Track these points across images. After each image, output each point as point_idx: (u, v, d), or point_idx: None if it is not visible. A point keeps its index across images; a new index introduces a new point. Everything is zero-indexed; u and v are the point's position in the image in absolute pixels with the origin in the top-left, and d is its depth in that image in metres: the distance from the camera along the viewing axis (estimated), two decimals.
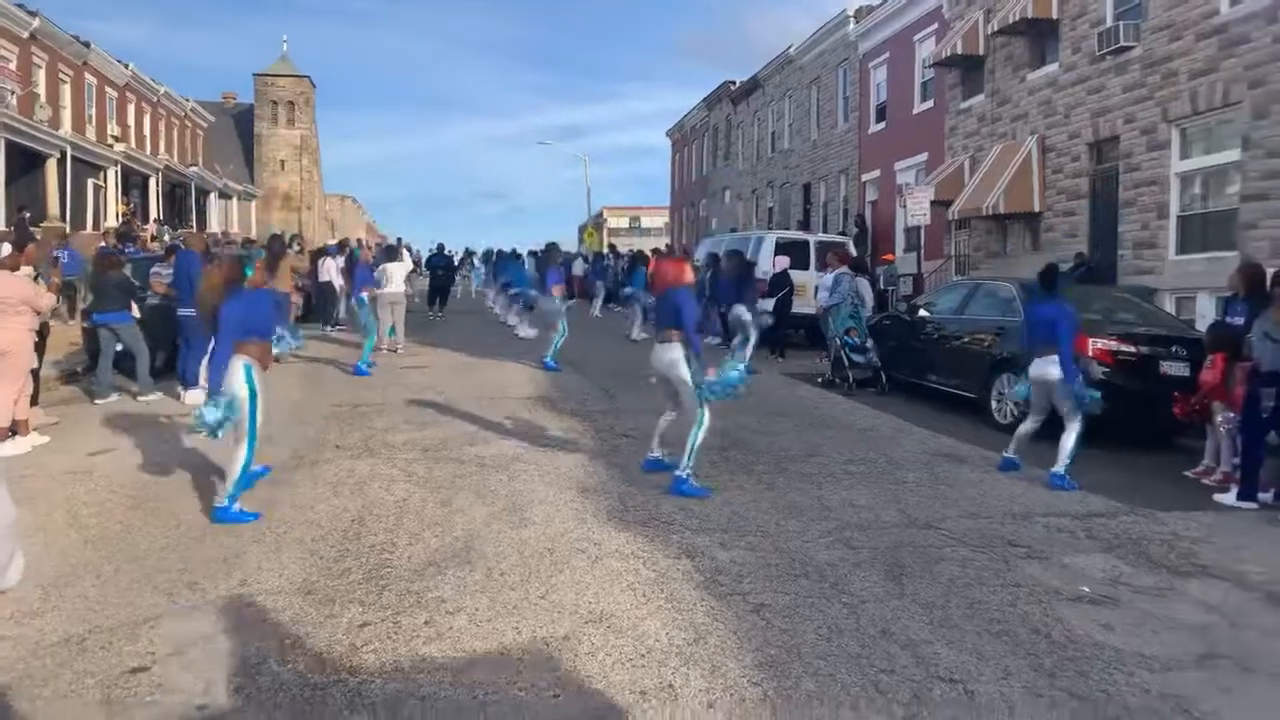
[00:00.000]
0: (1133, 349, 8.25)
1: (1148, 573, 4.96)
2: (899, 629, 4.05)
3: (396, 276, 12.96)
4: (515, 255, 23.47)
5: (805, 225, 29.55)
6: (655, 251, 22.20)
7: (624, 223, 78.13)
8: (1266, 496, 6.48)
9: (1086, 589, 4.64)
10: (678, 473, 6.21)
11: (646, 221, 78.44)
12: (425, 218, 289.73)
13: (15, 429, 7.18)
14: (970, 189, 19.48)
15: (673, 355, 6.27)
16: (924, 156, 22.83)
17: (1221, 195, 14.33)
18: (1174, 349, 8.25)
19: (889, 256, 23.01)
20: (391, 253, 13.71)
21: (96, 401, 9.48)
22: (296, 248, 14.94)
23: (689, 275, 6.63)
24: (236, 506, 5.51)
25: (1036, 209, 18.26)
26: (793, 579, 4.65)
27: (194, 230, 10.47)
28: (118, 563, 4.79)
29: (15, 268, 7.07)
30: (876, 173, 25.46)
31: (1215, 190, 14.53)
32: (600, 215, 77.26)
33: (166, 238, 25.50)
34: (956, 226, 21.28)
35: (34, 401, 8.13)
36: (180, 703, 3.32)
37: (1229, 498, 6.51)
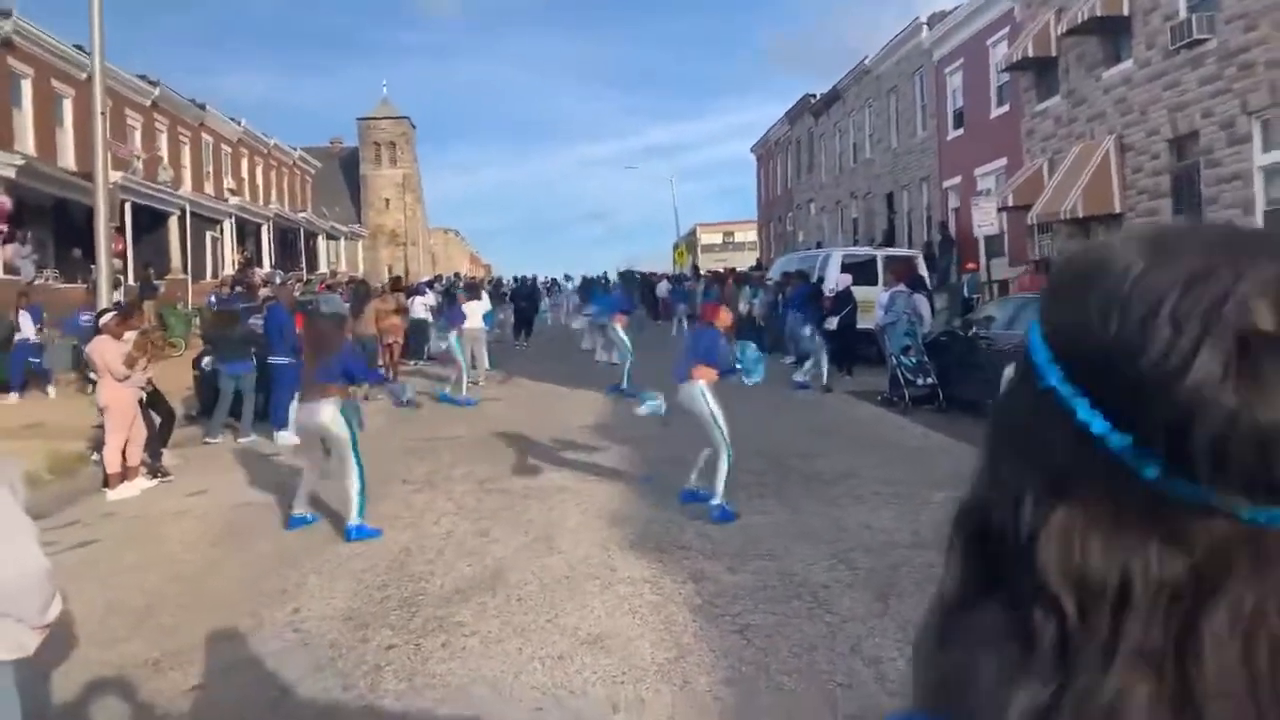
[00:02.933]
0: None
1: None
2: (870, 646, 4.36)
3: (475, 314, 13.76)
4: (602, 281, 24.30)
5: (890, 235, 29.36)
6: (717, 274, 22.53)
7: (717, 239, 78.44)
8: None
9: None
10: (712, 502, 6.62)
11: (740, 236, 78.43)
12: (527, 245, 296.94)
13: (126, 474, 8.15)
14: (1049, 192, 19.14)
15: (692, 392, 6.69)
16: (1003, 161, 22.49)
17: None
18: None
19: (971, 266, 22.70)
20: (472, 291, 14.55)
21: (207, 440, 10.51)
22: (379, 291, 15.94)
23: (723, 318, 7.03)
24: (357, 521, 6.48)
25: (1117, 209, 17.81)
26: (785, 600, 5.00)
27: (285, 284, 11.49)
28: (196, 595, 5.52)
29: (119, 335, 8.07)
30: (957, 179, 25.16)
31: None
32: (693, 233, 77.94)
33: (277, 280, 27.41)
34: (1039, 230, 20.88)
35: (164, 445, 9.23)
36: (224, 715, 3.94)
37: None
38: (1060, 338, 0.53)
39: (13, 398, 13.11)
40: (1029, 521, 0.52)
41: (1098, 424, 0.50)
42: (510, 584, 5.41)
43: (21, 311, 13.84)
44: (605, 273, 25.80)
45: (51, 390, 13.74)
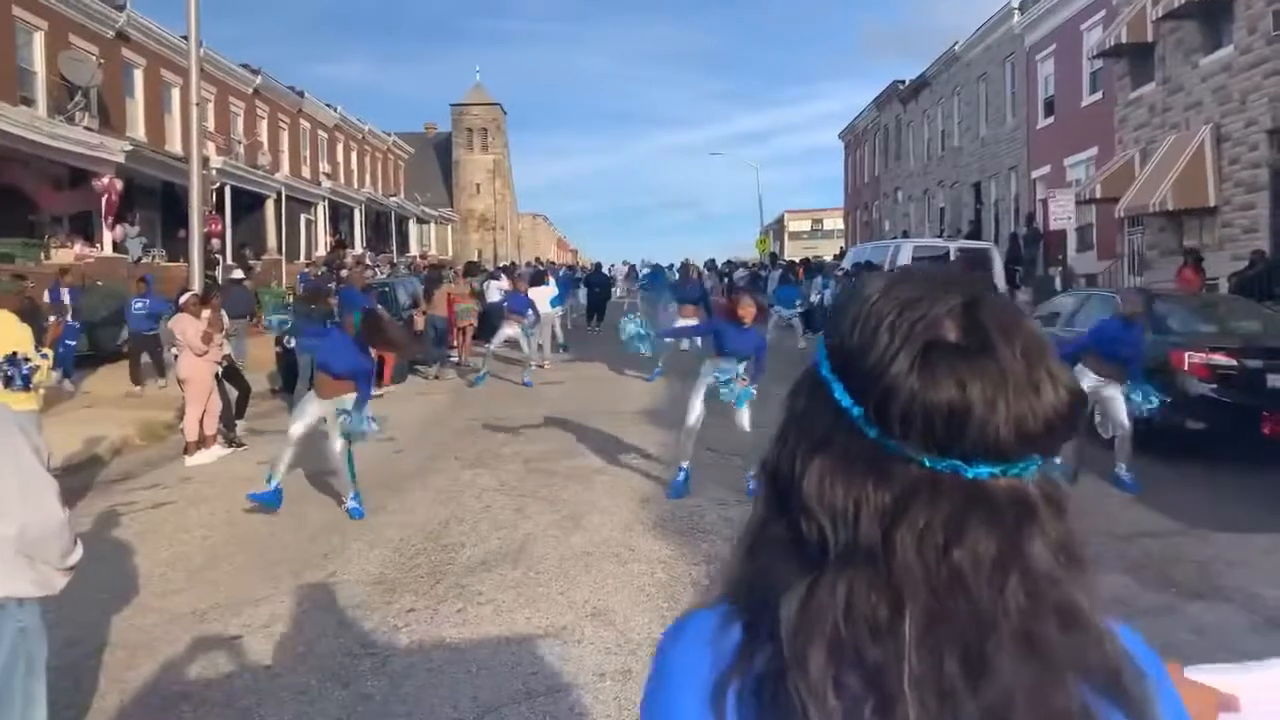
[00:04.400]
0: (1233, 361, 7.92)
1: (1156, 593, 5.04)
2: None
3: (541, 299, 14.12)
4: (665, 268, 24.76)
5: (976, 224, 28.63)
6: (790, 263, 22.41)
7: (805, 226, 77.58)
8: None
9: None
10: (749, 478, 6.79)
11: (829, 224, 77.23)
12: (616, 231, 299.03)
13: (203, 442, 8.76)
14: (1139, 184, 18.41)
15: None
16: (1094, 151, 21.70)
17: None
18: None
19: (1059, 259, 22.01)
20: (539, 277, 14.93)
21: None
22: (450, 276, 16.47)
23: (744, 312, 7.12)
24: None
25: (1211, 203, 17.02)
26: None
27: (358, 268, 11.98)
28: (249, 555, 5.98)
29: (198, 314, 8.68)
30: (1046, 169, 24.37)
31: None
32: (781, 220, 77.22)
33: (368, 260, 28.47)
34: (1129, 224, 20.12)
35: (240, 416, 9.86)
36: (255, 664, 4.33)
37: None
38: (830, 341, 0.78)
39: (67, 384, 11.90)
40: (799, 469, 0.75)
41: (845, 400, 0.74)
42: (533, 558, 5.69)
43: (62, 289, 13.20)
44: (672, 263, 26.01)
45: (68, 383, 12.05)
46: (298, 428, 6.94)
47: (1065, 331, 10.35)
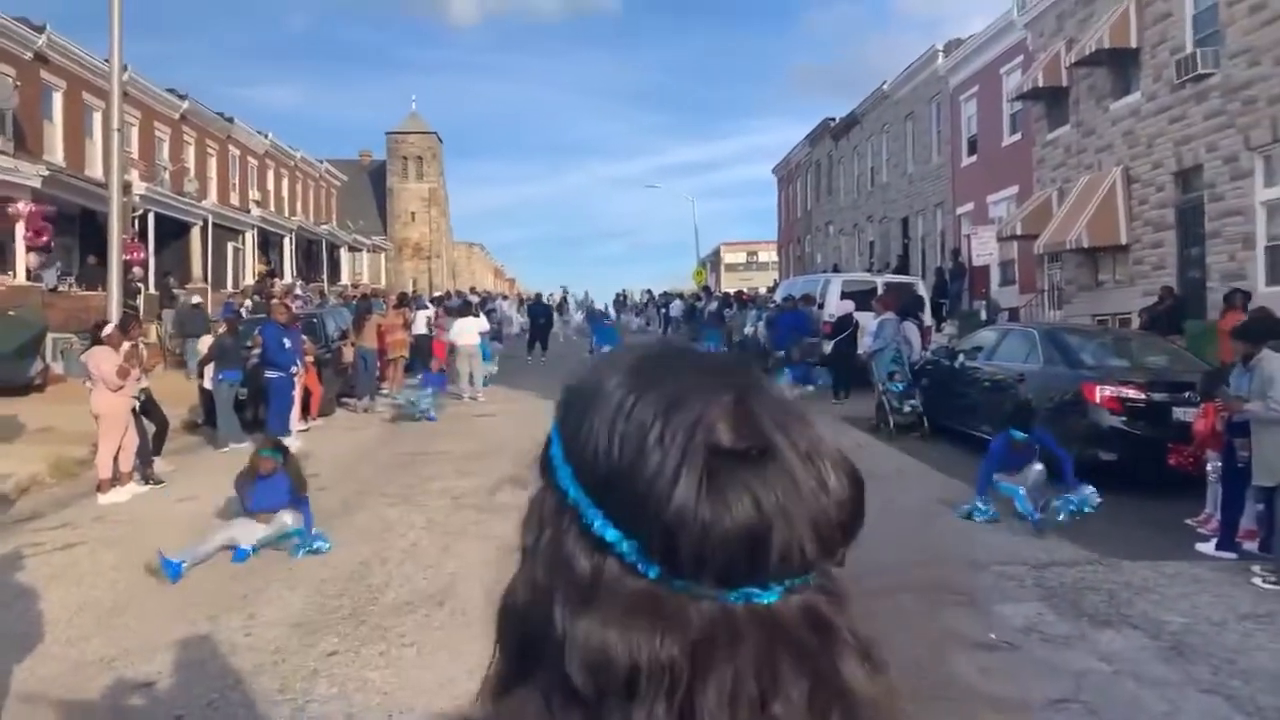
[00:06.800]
0: (1142, 395, 8.26)
1: (1068, 622, 5.20)
2: None
3: (470, 330, 14.04)
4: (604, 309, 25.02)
5: (904, 259, 29.40)
6: (727, 295, 22.71)
7: (741, 258, 78.65)
8: (1252, 546, 6.47)
9: (994, 636, 4.95)
10: None
11: (764, 256, 78.42)
12: (553, 259, 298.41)
13: (117, 479, 8.46)
14: (1056, 221, 19.17)
15: None
16: (1015, 189, 22.54)
17: None
18: (1188, 394, 8.21)
19: (983, 293, 22.74)
20: (464, 309, 14.86)
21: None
22: (383, 307, 16.28)
23: None
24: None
25: (1123, 241, 17.81)
26: None
27: (280, 302, 11.69)
28: (163, 598, 5.78)
29: (117, 345, 8.42)
30: (970, 205, 25.20)
31: None
32: (717, 252, 78.14)
33: (298, 291, 27.94)
34: (1049, 260, 20.89)
35: (158, 452, 9.54)
36: (165, 713, 4.18)
37: (1209, 547, 6.53)
38: (573, 450, 0.62)
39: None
40: (563, 627, 0.59)
41: (610, 533, 0.59)
42: (460, 597, 5.62)
43: None
44: (618, 295, 26.31)
45: None
46: (221, 539, 6.53)
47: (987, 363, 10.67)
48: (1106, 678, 4.44)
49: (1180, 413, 8.13)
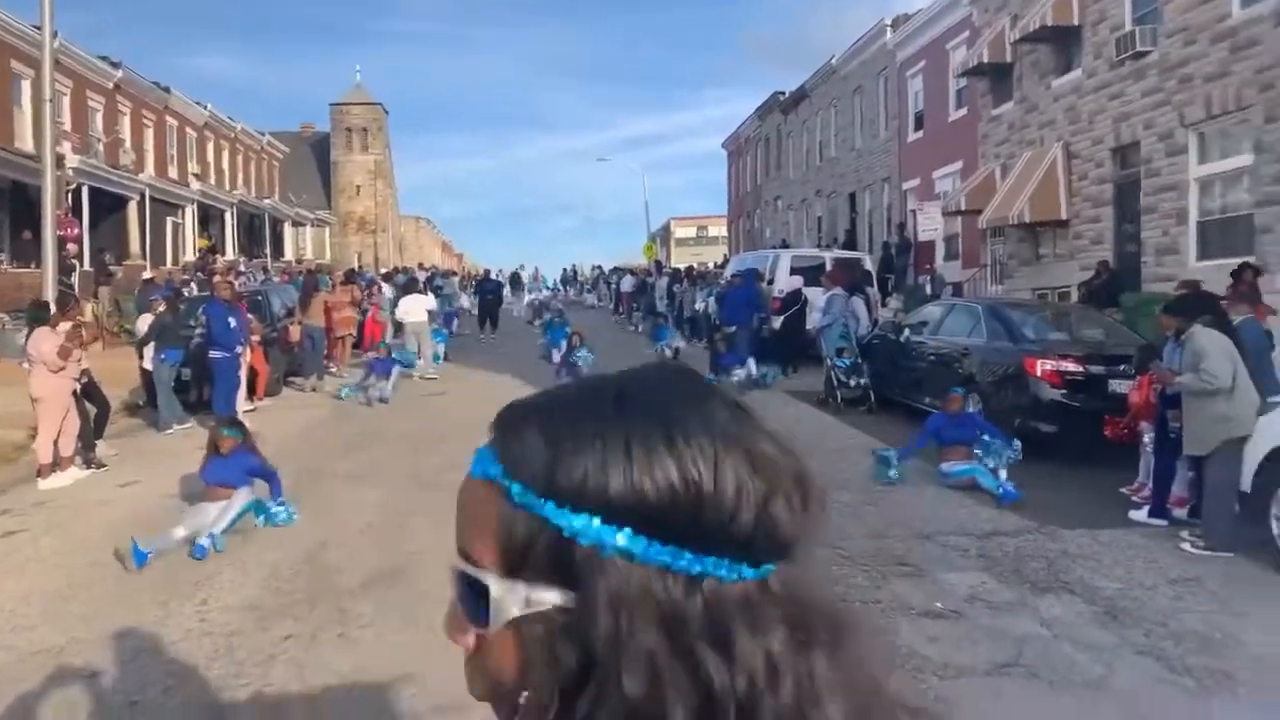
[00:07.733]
0: (1079, 368, 8.53)
1: (1010, 589, 5.39)
2: None
3: (417, 308, 13.90)
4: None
5: (852, 234, 29.71)
6: (675, 271, 22.74)
7: (691, 233, 78.68)
8: (1182, 513, 6.75)
9: (940, 604, 5.11)
10: None
11: (714, 230, 78.46)
12: (502, 234, 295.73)
13: (58, 464, 8.26)
14: (999, 197, 19.54)
15: None
16: (960, 164, 22.87)
17: (1239, 200, 14.21)
18: (1124, 367, 8.49)
19: (927, 267, 23.12)
20: (411, 285, 14.70)
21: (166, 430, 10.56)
22: (330, 283, 16.01)
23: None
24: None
25: (1064, 216, 18.23)
26: None
27: (224, 279, 11.31)
28: (111, 584, 5.69)
29: (55, 326, 8.18)
30: (916, 181, 25.53)
31: (1233, 195, 14.42)
32: (668, 226, 78.06)
33: (241, 267, 27.34)
34: (991, 235, 21.30)
35: (99, 435, 9.31)
36: (120, 701, 4.14)
37: (1142, 515, 6.80)
38: (624, 499, 0.61)
39: None
40: (710, 667, 0.60)
41: (720, 568, 0.61)
42: (415, 578, 5.62)
43: None
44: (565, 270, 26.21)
45: None
46: (182, 531, 6.25)
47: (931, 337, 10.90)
48: (1047, 642, 4.62)
49: (1116, 385, 8.41)
